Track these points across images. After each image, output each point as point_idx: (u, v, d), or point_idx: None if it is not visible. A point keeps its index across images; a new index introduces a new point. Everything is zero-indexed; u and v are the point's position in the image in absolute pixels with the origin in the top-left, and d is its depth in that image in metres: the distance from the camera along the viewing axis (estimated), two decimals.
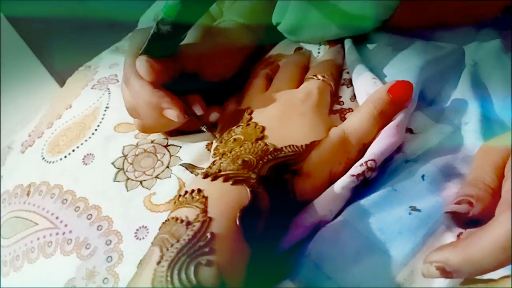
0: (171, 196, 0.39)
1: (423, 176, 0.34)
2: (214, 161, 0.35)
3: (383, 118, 0.37)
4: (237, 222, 0.30)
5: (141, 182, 0.40)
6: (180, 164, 0.41)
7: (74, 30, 0.55)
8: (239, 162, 0.33)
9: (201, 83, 0.41)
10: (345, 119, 0.40)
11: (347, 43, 0.45)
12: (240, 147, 0.35)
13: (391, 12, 0.42)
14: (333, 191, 0.34)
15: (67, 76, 0.58)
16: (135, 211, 0.39)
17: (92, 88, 0.51)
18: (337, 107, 0.41)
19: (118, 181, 0.41)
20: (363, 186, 0.35)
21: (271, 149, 0.34)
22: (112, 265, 0.36)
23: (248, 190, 0.31)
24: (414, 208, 0.32)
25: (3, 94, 0.83)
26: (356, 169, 0.34)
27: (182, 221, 0.29)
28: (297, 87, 0.42)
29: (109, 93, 0.49)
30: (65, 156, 0.45)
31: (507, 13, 0.42)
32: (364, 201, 0.34)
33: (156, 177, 0.40)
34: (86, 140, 0.45)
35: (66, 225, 0.40)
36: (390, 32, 0.46)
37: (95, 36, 0.68)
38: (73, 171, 0.43)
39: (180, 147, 0.42)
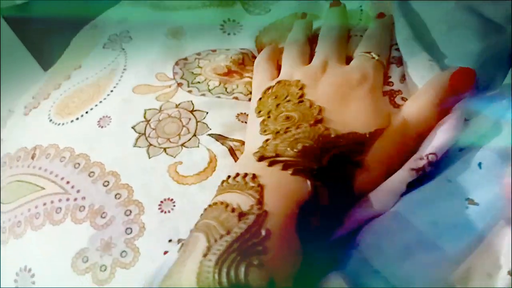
0: (200, 167, 0.35)
1: (479, 164, 0.31)
2: (267, 140, 0.32)
3: (443, 108, 0.33)
4: (295, 220, 0.27)
5: (164, 149, 0.36)
6: (209, 135, 0.37)
7: (73, 31, 0.51)
8: (299, 147, 0.30)
9: None
10: (395, 102, 0.37)
11: (397, 16, 0.42)
12: (297, 128, 0.31)
13: None
14: (391, 185, 0.31)
15: None
16: (159, 181, 0.35)
17: (104, 48, 0.47)
18: (386, 88, 0.38)
19: (139, 147, 0.37)
20: (419, 180, 0.32)
21: (332, 135, 0.31)
22: (131, 238, 0.33)
23: (309, 183, 0.28)
24: (471, 202, 0.29)
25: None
26: (417, 162, 0.31)
27: (233, 209, 0.26)
28: (345, 60, 0.39)
29: (125, 54, 0.45)
30: (77, 119, 0.40)
31: None
32: (417, 193, 0.31)
33: (182, 145, 0.36)
34: (101, 102, 0.41)
35: (78, 191, 0.36)
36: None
37: None
38: (87, 134, 0.39)
39: (207, 112, 0.38)
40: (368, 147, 0.31)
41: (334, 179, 0.30)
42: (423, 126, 0.33)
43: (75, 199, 0.35)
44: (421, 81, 0.36)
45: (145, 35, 0.46)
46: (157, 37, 0.45)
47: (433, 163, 0.31)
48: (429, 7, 0.42)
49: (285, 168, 0.29)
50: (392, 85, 0.38)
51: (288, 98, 0.34)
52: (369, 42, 0.40)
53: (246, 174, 0.29)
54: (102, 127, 0.39)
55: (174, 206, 0.33)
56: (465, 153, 0.33)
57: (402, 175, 0.31)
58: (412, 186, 0.31)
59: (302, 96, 0.34)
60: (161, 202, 0.34)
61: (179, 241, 0.32)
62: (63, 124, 0.41)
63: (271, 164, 0.29)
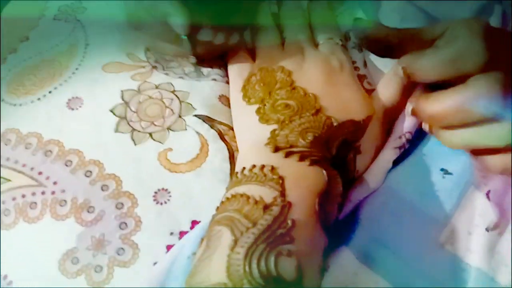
0: (192, 154, 0.33)
1: None
2: (275, 130, 0.31)
3: (410, 90, 0.35)
4: (316, 209, 0.27)
5: (150, 134, 0.33)
6: (196, 115, 0.34)
7: None
8: (310, 137, 0.30)
9: None
10: (363, 86, 0.38)
11: (353, 4, 0.43)
12: (300, 117, 0.31)
13: None
14: (381, 164, 0.34)
15: None
16: (149, 169, 0.32)
17: (54, 19, 0.42)
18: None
19: (122, 132, 0.33)
20: (401, 156, 0.35)
21: (335, 124, 0.31)
22: (128, 233, 0.30)
23: (325, 173, 0.29)
24: (446, 172, 0.34)
25: None
26: (397, 141, 0.35)
27: (256, 201, 0.26)
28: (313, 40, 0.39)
29: (82, 27, 0.41)
30: (39, 99, 0.36)
31: None
32: (401, 168, 0.34)
33: (168, 128, 0.34)
34: (65, 81, 0.36)
35: (55, 183, 0.32)
36: None
37: None
38: (55, 117, 0.35)
39: (189, 92, 0.36)
40: (362, 133, 0.33)
41: (340, 166, 0.31)
42: (398, 110, 0.35)
43: (53, 192, 0.32)
44: (384, 67, 0.39)
45: (101, 8, 0.42)
46: (116, 12, 0.41)
47: (410, 140, 0.35)
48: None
49: (301, 159, 0.29)
50: (359, 70, 0.40)
51: (279, 86, 0.34)
52: (326, 27, 0.40)
53: (263, 166, 0.28)
54: (72, 109, 0.35)
55: (170, 196, 0.31)
56: None
57: (389, 154, 0.34)
58: (395, 162, 0.34)
59: (292, 83, 0.34)
60: (155, 192, 0.31)
61: (181, 233, 0.30)
62: (20, 105, 0.36)
63: (287, 155, 0.29)
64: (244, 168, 0.29)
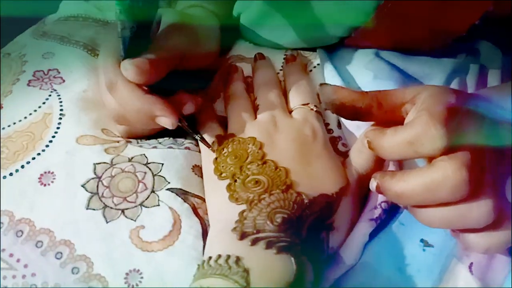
0: (165, 231, 0.33)
1: None
2: (243, 211, 0.31)
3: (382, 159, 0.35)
4: None
5: (122, 211, 0.33)
6: (169, 189, 0.34)
7: None
8: (278, 220, 0.29)
9: (183, 80, 0.38)
10: (337, 149, 0.39)
11: (327, 66, 0.43)
12: (270, 196, 0.31)
13: (363, 20, 0.41)
14: (357, 238, 0.33)
15: None
16: (121, 249, 0.32)
17: (29, 85, 0.42)
18: (327, 136, 0.39)
19: (93, 209, 0.33)
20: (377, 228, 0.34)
21: (306, 202, 0.31)
22: None
23: (294, 261, 0.28)
24: (426, 244, 0.33)
25: None
26: (373, 212, 0.34)
27: None
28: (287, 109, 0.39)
29: (58, 95, 0.41)
30: (11, 174, 0.35)
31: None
32: (378, 240, 0.34)
33: (141, 204, 0.34)
34: (39, 154, 0.36)
35: (26, 266, 0.32)
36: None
37: None
38: (27, 194, 0.34)
39: (162, 164, 0.36)
40: (336, 208, 0.32)
41: (312, 248, 0.30)
42: (371, 177, 0.34)
43: (23, 276, 0.31)
44: (357, 129, 0.38)
45: (80, 78, 0.43)
46: (94, 87, 0.42)
47: (386, 210, 0.34)
48: (352, 54, 0.45)
49: (268, 246, 0.28)
50: (332, 132, 0.40)
51: (250, 159, 0.34)
52: (300, 92, 0.40)
53: (229, 256, 0.28)
54: (44, 185, 0.35)
55: (142, 278, 0.31)
56: None
57: (364, 227, 0.33)
58: (372, 234, 0.33)
59: (263, 156, 0.34)
60: (127, 274, 0.31)
61: None
62: None
63: (253, 243, 0.29)
64: (210, 258, 0.28)
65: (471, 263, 0.31)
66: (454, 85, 0.41)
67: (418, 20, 0.40)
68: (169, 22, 0.37)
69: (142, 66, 0.33)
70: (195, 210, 0.34)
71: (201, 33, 0.41)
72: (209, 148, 0.36)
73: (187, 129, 0.36)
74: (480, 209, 0.26)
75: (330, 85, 0.32)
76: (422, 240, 0.33)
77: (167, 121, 0.34)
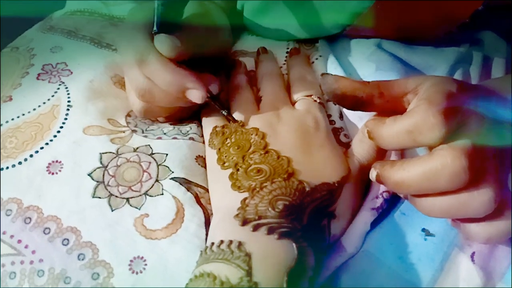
0: (168, 219, 0.33)
1: None
2: (245, 199, 0.31)
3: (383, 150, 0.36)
4: (285, 287, 0.27)
5: (127, 199, 0.34)
6: (173, 178, 0.35)
7: None
8: (280, 207, 0.30)
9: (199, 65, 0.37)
10: (340, 140, 0.39)
11: (327, 54, 0.43)
12: (272, 183, 0.31)
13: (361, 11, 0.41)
14: (358, 227, 0.33)
15: None
16: (125, 237, 0.33)
17: (38, 79, 0.43)
18: (329, 127, 0.39)
19: (99, 197, 0.34)
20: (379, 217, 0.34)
21: (308, 189, 0.31)
22: None
23: (295, 247, 0.28)
24: (428, 233, 0.33)
25: None
26: (374, 202, 0.34)
27: (222, 283, 0.26)
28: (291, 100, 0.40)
29: (66, 87, 0.41)
30: (20, 163, 0.36)
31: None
32: (379, 230, 0.34)
33: (146, 193, 0.34)
34: (47, 144, 0.37)
35: (33, 252, 0.32)
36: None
37: None
38: (35, 182, 0.35)
39: (166, 154, 0.36)
40: (337, 196, 0.32)
41: (313, 235, 0.30)
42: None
43: (31, 262, 0.32)
44: (359, 120, 0.39)
45: (87, 69, 0.43)
46: (100, 77, 0.43)
47: (388, 200, 0.34)
48: (355, 46, 0.44)
49: (270, 232, 0.29)
50: (334, 123, 0.40)
51: (252, 149, 0.34)
52: (304, 84, 0.41)
53: (231, 242, 0.28)
54: (52, 173, 0.35)
55: (146, 265, 0.32)
56: None
57: (366, 216, 0.33)
58: (374, 223, 0.33)
59: (266, 146, 0.34)
60: (131, 261, 0.32)
61: None
62: (1, 169, 0.36)
63: (255, 228, 0.29)
64: (212, 243, 0.29)
65: (473, 252, 0.31)
66: (457, 75, 0.41)
67: (421, 5, 0.40)
68: (193, 10, 0.39)
69: (176, 42, 0.34)
70: (198, 199, 0.34)
71: (220, 23, 0.42)
72: (235, 123, 0.37)
73: (215, 103, 0.37)
74: (481, 198, 0.26)
75: (332, 75, 0.32)
76: (423, 230, 0.33)
77: (197, 93, 0.35)
